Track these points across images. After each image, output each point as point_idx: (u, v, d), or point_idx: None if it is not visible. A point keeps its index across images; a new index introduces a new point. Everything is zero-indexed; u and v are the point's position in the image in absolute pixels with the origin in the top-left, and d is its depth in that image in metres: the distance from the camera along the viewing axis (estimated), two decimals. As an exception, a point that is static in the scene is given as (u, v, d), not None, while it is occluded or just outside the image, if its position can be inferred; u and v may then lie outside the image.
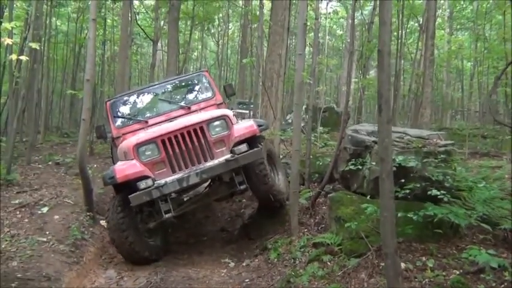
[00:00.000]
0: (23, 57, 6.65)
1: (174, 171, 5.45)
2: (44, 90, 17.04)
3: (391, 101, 3.99)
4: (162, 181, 5.31)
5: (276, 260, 5.15)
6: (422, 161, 4.65)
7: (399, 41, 16.70)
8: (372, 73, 26.16)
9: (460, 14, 22.67)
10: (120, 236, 5.31)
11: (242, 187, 5.65)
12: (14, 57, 6.65)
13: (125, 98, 6.73)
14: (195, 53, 31.94)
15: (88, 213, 6.33)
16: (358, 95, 20.07)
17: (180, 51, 22.33)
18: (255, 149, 5.44)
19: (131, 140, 5.58)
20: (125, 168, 5.33)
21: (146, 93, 6.86)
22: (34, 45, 7.30)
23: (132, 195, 5.13)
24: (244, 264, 5.45)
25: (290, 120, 16.94)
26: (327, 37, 30.45)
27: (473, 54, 21.42)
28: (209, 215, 7.69)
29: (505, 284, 3.75)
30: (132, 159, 5.39)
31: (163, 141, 5.45)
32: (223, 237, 6.87)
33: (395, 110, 16.74)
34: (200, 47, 30.88)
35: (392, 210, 3.36)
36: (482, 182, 5.12)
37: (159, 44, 19.34)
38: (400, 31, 16.93)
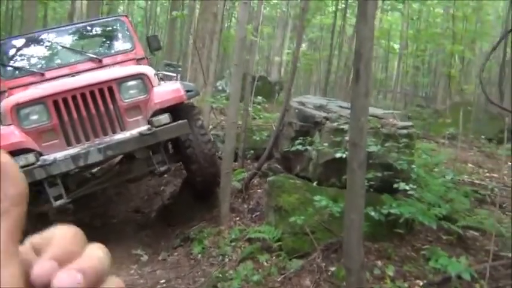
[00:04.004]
0: None
1: (69, 144, 4.18)
2: None
3: (371, 66, 3.13)
4: (51, 157, 4.02)
5: (200, 255, 4.21)
6: (383, 145, 3.90)
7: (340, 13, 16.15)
8: (304, 46, 25.75)
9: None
10: None
11: (162, 168, 4.52)
12: None
13: (17, 42, 5.28)
14: (121, 7, 29.49)
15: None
16: (290, 67, 19.53)
17: (104, 2, 20.21)
18: (180, 121, 4.30)
19: (10, 99, 4.22)
20: None
21: (47, 38, 5.45)
22: None
23: None
24: (160, 258, 4.45)
25: (220, 87, 15.86)
26: (262, 4, 29.42)
27: (403, 35, 21.65)
28: (122, 192, 6.51)
29: (478, 298, 3.17)
30: (10, 124, 4.04)
31: (55, 103, 4.11)
32: (137, 221, 5.77)
33: (327, 84, 16.49)
34: (127, 0, 28.55)
35: (361, 211, 2.55)
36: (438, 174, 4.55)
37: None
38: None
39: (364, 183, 2.59)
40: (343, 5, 16.16)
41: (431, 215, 3.49)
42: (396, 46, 26.21)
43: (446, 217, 3.99)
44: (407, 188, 3.55)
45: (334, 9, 17.74)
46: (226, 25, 20.13)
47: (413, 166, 3.85)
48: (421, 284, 3.32)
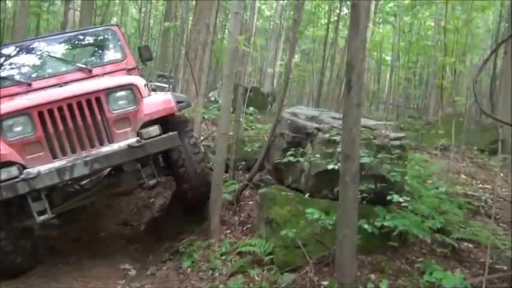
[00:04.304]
0: None
1: (54, 157, 4.03)
2: None
3: (363, 77, 3.09)
4: (35, 170, 3.86)
5: (189, 269, 4.10)
6: (375, 156, 3.84)
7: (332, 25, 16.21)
8: (297, 57, 25.85)
9: (383, 8, 22.88)
10: None
11: (152, 182, 4.38)
12: None
13: (6, 51, 5.16)
14: (115, 19, 29.49)
15: None
16: (283, 78, 19.53)
17: (97, 13, 20.14)
18: (170, 133, 4.18)
19: None
20: None
21: (37, 48, 5.34)
22: None
23: None
24: (148, 272, 4.33)
25: (212, 98, 15.84)
26: (255, 16, 29.50)
27: (395, 47, 21.87)
28: (111, 204, 6.37)
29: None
30: None
31: (41, 114, 3.98)
32: (126, 234, 5.65)
33: (320, 95, 16.54)
34: (120, 12, 28.54)
35: (354, 226, 2.48)
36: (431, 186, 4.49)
37: (72, 3, 17.21)
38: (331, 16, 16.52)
39: (357, 197, 2.52)
40: (336, 18, 16.25)
41: (426, 228, 3.42)
42: (388, 58, 26.45)
43: (440, 229, 3.93)
44: (400, 199, 3.49)
45: (326, 21, 17.86)
46: (219, 37, 20.18)
47: (406, 178, 3.80)
48: (415, 298, 3.25)
